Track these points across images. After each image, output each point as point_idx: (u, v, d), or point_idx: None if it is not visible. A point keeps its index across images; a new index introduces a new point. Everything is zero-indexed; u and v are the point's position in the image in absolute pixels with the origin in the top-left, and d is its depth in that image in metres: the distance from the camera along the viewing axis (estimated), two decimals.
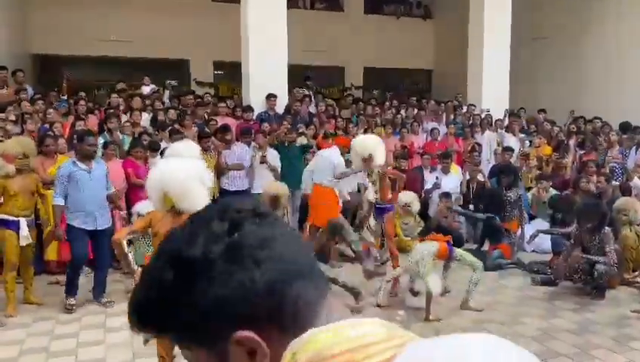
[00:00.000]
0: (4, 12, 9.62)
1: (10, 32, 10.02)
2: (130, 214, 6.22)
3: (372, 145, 5.59)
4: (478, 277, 5.20)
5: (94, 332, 4.61)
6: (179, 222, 2.95)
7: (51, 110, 7.48)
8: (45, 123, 7.27)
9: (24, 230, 5.00)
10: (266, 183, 6.96)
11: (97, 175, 5.19)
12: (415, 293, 5.28)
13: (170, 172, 3.27)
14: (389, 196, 5.83)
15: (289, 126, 8.06)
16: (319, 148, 8.43)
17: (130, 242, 5.68)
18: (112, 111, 7.77)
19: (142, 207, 5.86)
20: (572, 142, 9.32)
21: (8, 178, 5.04)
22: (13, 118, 6.71)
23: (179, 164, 3.36)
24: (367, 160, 5.52)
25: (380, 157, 5.61)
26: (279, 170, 7.56)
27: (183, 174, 3.22)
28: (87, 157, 5.11)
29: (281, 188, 6.40)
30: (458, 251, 5.33)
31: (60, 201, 5.03)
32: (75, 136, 5.71)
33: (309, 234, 6.69)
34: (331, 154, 6.68)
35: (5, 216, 5.00)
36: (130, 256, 3.46)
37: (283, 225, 0.72)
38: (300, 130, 8.31)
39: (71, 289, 5.12)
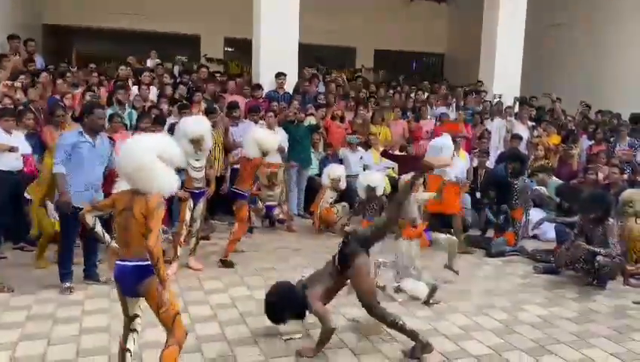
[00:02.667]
0: None
1: (21, 1, 9.98)
2: None
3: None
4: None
5: (100, 300, 4.68)
6: (135, 202, 2.93)
7: (60, 80, 7.48)
8: (55, 94, 7.28)
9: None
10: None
11: (100, 150, 4.90)
12: (398, 290, 5.04)
13: (123, 151, 3.04)
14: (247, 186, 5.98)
15: (297, 107, 8.05)
16: (327, 130, 8.44)
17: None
18: (120, 83, 7.76)
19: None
20: (582, 133, 9.26)
21: None
22: (19, 85, 6.69)
23: (133, 143, 3.05)
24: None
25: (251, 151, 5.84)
26: (286, 149, 7.56)
27: (131, 152, 2.97)
28: (94, 130, 4.82)
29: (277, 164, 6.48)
30: (433, 235, 5.47)
31: (62, 169, 4.67)
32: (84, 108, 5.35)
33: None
34: (440, 141, 6.69)
35: None
36: (99, 229, 3.35)
37: None
38: (309, 111, 8.30)
39: (67, 271, 4.89)
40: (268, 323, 4.30)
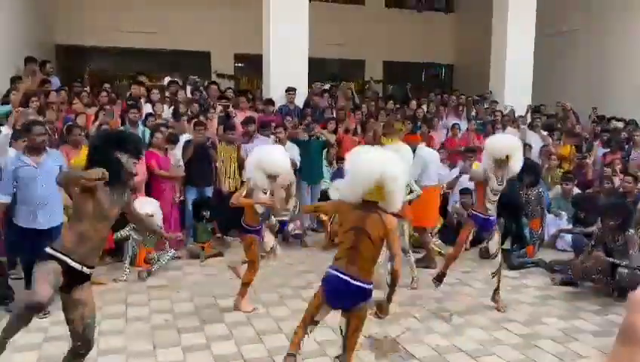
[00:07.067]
0: (29, 2, 9.72)
1: (34, 22, 10.13)
2: None
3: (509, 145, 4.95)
4: None
5: (115, 322, 4.68)
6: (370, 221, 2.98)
7: (77, 100, 7.55)
8: (70, 113, 7.35)
9: None
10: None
11: (47, 169, 4.67)
12: None
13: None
14: None
15: (308, 123, 8.06)
16: (340, 143, 8.42)
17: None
18: (132, 102, 7.82)
19: (148, 206, 5.91)
20: (595, 141, 9.16)
21: None
22: (30, 110, 6.69)
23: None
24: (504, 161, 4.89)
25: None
26: (298, 164, 7.55)
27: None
28: (35, 149, 4.68)
29: (290, 177, 6.41)
30: None
31: (3, 198, 4.69)
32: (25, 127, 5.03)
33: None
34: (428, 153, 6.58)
35: None
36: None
37: None
38: (317, 129, 8.28)
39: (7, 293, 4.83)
40: (285, 341, 4.28)
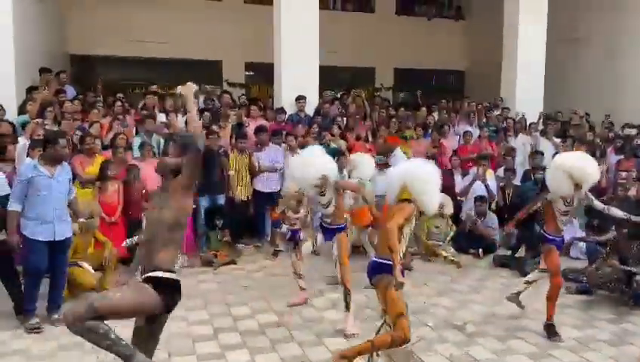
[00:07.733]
0: (42, 11, 9.83)
1: (47, 31, 10.24)
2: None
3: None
4: None
5: (129, 330, 4.70)
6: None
7: (95, 110, 7.62)
8: (84, 122, 7.43)
9: None
10: (288, 184, 6.98)
11: (61, 180, 4.68)
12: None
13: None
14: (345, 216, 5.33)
15: (315, 134, 8.08)
16: (350, 151, 8.42)
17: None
18: (147, 113, 7.88)
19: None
20: (608, 148, 9.08)
21: None
22: (48, 122, 6.77)
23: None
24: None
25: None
26: None
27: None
28: (55, 161, 4.65)
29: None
30: None
31: (16, 207, 4.53)
32: (46, 138, 4.95)
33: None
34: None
35: None
36: None
37: None
38: (327, 138, 8.29)
39: (30, 308, 4.67)
40: (298, 350, 4.29)
